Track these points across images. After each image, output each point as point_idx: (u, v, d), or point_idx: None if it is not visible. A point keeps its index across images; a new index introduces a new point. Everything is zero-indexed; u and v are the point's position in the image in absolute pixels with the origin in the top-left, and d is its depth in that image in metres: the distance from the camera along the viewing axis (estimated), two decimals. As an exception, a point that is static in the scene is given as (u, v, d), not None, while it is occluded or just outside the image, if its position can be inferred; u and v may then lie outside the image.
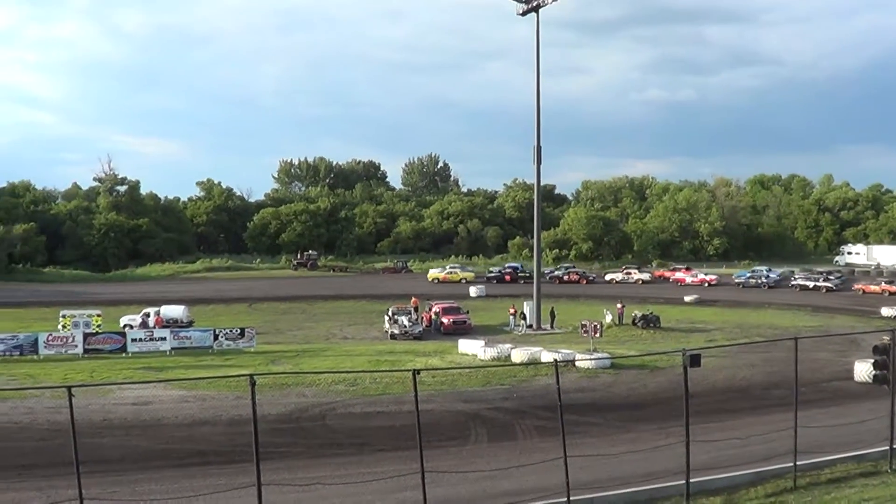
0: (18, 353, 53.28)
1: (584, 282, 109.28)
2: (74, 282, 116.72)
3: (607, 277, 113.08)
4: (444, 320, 67.02)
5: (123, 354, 54.18)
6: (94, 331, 57.01)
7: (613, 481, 25.84)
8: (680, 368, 25.04)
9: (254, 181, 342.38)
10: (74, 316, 60.10)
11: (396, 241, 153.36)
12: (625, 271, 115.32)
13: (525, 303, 69.76)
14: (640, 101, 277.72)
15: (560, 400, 23.58)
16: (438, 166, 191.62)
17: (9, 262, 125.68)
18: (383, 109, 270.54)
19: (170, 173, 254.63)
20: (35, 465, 29.12)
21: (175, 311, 68.28)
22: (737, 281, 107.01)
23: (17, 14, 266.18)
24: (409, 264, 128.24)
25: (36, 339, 54.14)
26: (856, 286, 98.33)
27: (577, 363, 48.01)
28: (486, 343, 54.49)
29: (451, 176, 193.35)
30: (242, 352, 55.72)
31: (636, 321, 67.28)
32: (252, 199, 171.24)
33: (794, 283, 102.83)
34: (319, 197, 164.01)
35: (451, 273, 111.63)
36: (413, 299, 74.20)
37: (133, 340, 55.56)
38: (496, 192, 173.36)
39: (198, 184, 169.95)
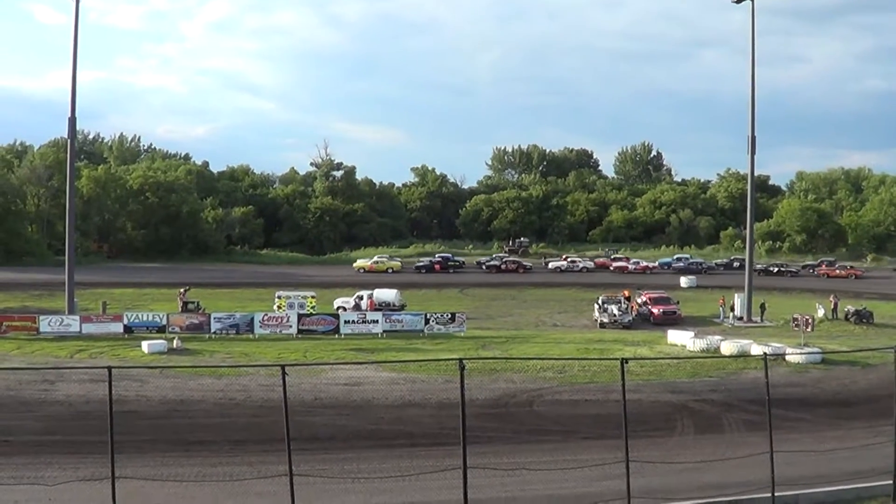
0: (235, 331, 55.24)
1: (521, 271, 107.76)
2: (290, 264, 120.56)
3: (551, 266, 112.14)
4: (654, 310, 66.51)
5: (336, 336, 55.49)
6: (308, 312, 58.60)
7: (820, 478, 25.05)
8: (892, 366, 24.03)
9: (467, 168, 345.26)
10: (290, 297, 61.99)
11: (608, 229, 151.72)
12: (568, 260, 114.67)
13: (735, 295, 68.42)
14: (857, 90, 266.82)
15: (768, 394, 22.94)
16: (651, 155, 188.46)
17: (227, 244, 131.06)
18: (597, 98, 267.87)
19: (385, 159, 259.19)
20: (248, 440, 30.09)
21: (388, 294, 69.55)
22: (677, 266, 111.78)
23: (238, 4, 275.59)
24: (619, 252, 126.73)
25: (252, 319, 56.03)
26: (819, 271, 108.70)
27: (786, 357, 46.93)
28: (695, 334, 53.83)
29: (663, 165, 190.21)
30: (452, 336, 56.24)
31: (849, 316, 65.37)
32: (465, 186, 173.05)
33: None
34: (532, 184, 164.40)
35: (377, 263, 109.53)
36: (625, 290, 73.43)
37: (346, 322, 56.86)
38: (709, 181, 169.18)
39: (412, 170, 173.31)
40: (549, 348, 51.93)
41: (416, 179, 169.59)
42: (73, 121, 58.98)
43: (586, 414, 35.37)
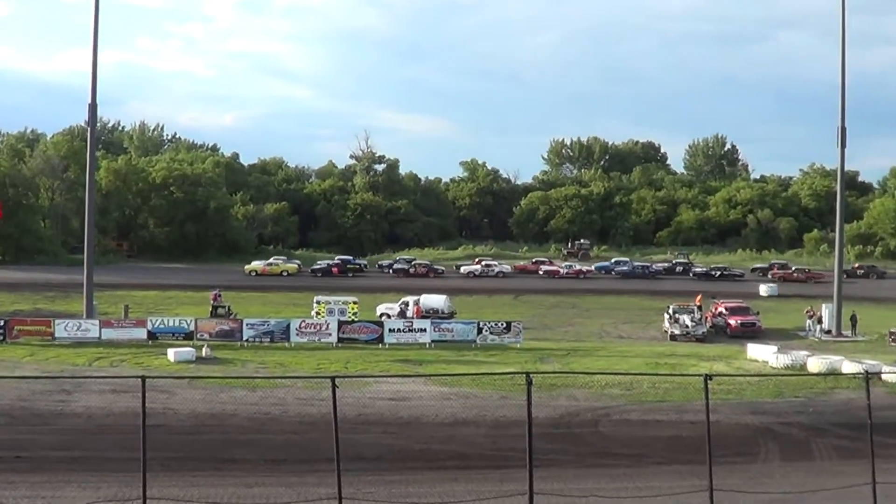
0: (269, 339, 55.41)
1: (432, 275, 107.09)
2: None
3: (463, 270, 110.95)
4: (731, 321, 65.85)
5: (379, 345, 55.51)
6: (349, 319, 58.87)
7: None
8: None
9: (521, 162, 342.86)
10: (329, 302, 62.20)
11: (678, 231, 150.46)
12: (483, 264, 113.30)
13: (823, 305, 67.59)
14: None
15: (870, 417, 22.60)
16: (725, 149, 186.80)
17: (259, 244, 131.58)
18: (665, 85, 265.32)
19: (431, 152, 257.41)
20: (285, 459, 29.96)
21: (436, 300, 69.36)
22: (619, 270, 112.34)
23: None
24: (690, 257, 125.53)
25: (288, 326, 56.15)
26: (773, 274, 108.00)
27: (883, 376, 45.81)
28: (778, 349, 53.21)
29: (739, 160, 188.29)
30: (507, 348, 56.09)
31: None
32: (519, 182, 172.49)
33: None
34: (593, 181, 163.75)
35: (272, 265, 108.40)
36: (697, 297, 72.92)
37: (390, 331, 56.89)
38: (791, 178, 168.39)
39: (461, 164, 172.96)
40: (615, 362, 51.59)
41: (466, 174, 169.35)
42: (93, 107, 59.29)
43: (658, 436, 35.02)
